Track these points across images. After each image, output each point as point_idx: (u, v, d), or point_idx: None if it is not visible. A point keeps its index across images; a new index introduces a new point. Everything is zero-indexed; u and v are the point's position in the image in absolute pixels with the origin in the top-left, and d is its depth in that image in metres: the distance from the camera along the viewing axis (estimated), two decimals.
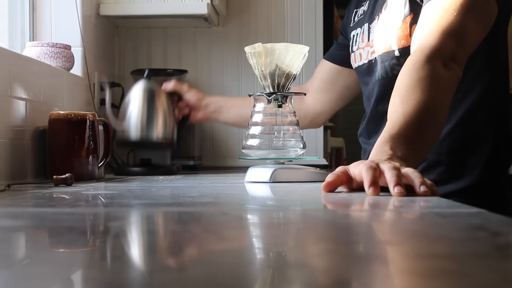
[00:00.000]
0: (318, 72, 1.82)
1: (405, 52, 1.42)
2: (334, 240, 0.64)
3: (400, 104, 1.15)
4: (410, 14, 1.43)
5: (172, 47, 2.32)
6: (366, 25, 1.58)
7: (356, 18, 1.65)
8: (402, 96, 1.16)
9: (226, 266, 0.50)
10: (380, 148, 1.08)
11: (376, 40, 1.52)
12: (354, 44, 1.62)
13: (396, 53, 1.45)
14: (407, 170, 0.97)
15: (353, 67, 1.63)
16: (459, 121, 1.40)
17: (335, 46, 1.78)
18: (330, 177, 1.03)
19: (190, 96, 1.86)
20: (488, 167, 1.40)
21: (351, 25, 1.66)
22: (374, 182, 0.95)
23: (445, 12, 1.26)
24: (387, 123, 1.15)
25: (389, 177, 0.95)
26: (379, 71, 1.51)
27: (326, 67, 1.79)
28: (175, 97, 1.86)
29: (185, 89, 1.87)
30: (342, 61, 1.73)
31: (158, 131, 1.79)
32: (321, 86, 1.80)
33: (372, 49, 1.53)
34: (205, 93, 1.92)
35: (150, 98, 1.80)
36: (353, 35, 1.63)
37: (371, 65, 1.54)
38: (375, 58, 1.52)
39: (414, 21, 1.40)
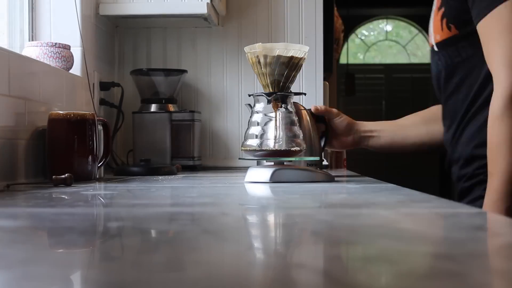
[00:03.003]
0: None
1: (441, 47, 1.37)
2: (334, 240, 0.64)
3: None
4: (441, 8, 1.37)
5: (171, 47, 2.31)
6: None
7: None
8: None
9: (226, 267, 0.50)
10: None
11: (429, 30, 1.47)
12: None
13: (435, 47, 1.41)
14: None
15: None
16: None
17: None
18: None
19: (339, 121, 1.70)
20: None
21: None
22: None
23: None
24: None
25: None
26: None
27: None
28: (321, 123, 1.70)
29: (335, 113, 1.71)
30: None
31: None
32: None
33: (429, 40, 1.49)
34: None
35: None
36: None
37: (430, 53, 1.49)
38: (432, 48, 1.47)
39: (445, 15, 1.36)
